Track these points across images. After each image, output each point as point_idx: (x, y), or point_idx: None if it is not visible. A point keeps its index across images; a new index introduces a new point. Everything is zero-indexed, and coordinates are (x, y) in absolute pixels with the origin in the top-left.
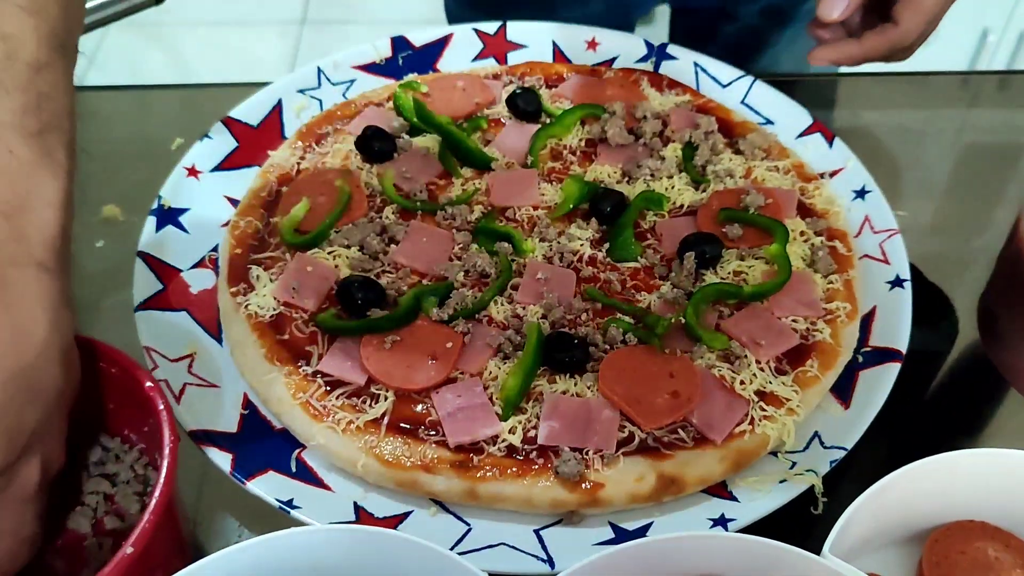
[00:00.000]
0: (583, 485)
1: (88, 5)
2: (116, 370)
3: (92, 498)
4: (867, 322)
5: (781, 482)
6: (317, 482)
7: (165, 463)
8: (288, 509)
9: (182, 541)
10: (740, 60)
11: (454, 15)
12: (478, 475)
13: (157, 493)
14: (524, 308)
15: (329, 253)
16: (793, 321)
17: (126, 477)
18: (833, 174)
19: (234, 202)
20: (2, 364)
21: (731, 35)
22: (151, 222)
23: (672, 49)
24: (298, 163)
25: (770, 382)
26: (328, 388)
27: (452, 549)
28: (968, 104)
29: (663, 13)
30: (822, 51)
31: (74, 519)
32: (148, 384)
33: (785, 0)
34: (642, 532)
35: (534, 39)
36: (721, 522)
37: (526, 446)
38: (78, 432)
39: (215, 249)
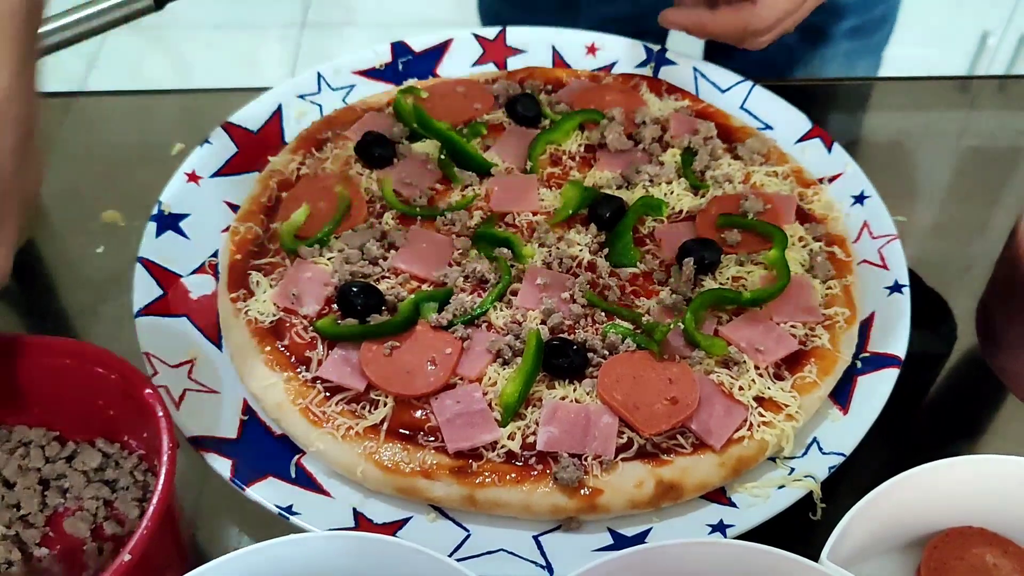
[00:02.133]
0: (582, 491)
1: (88, 11)
2: (116, 376)
3: (92, 503)
4: (866, 327)
5: (780, 488)
6: (316, 488)
7: (163, 470)
8: (288, 515)
9: (181, 547)
10: (769, 77)
11: (488, 10)
12: (477, 481)
13: (155, 500)
14: (523, 314)
15: (329, 259)
16: (792, 327)
17: (126, 483)
18: (832, 179)
19: (234, 208)
20: None
21: (764, 51)
22: (151, 227)
23: (671, 54)
24: (298, 169)
25: (769, 388)
26: (328, 394)
27: (451, 555)
28: (967, 109)
29: None
30: (673, 14)
31: (73, 524)
32: (147, 391)
33: (820, 18)
34: (641, 538)
35: (534, 44)
36: (720, 528)
37: (525, 452)
38: (78, 437)
39: (215, 255)
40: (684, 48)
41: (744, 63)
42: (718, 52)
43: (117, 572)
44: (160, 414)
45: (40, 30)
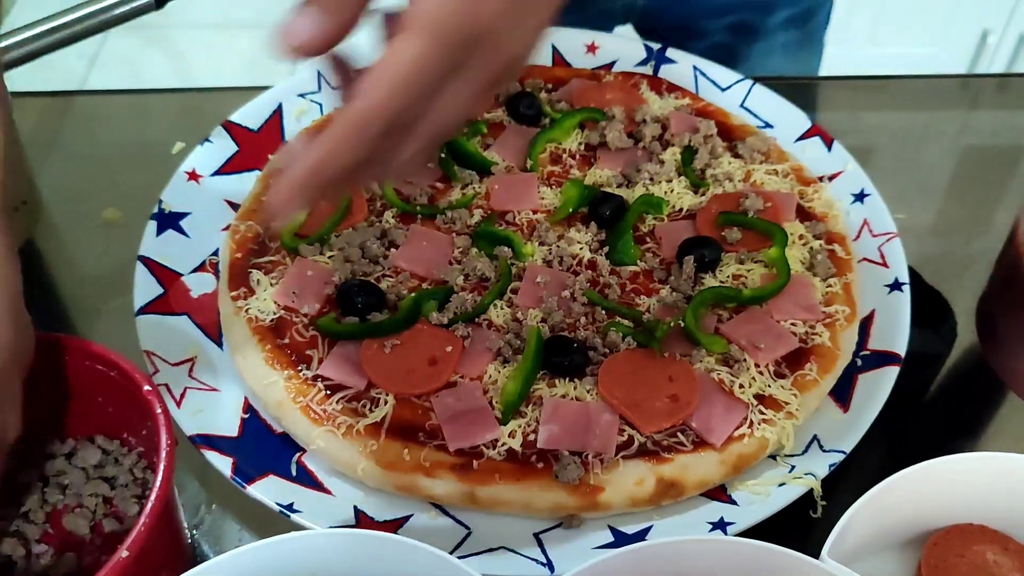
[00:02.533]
0: (583, 489)
1: (88, 10)
2: (115, 374)
3: (91, 500)
4: (866, 325)
5: (780, 485)
6: (317, 486)
7: (162, 467)
8: (288, 513)
9: (181, 545)
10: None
11: None
12: (478, 479)
13: (153, 497)
14: (524, 312)
15: (329, 257)
16: (792, 325)
17: (125, 480)
18: (832, 177)
19: (235, 206)
20: None
21: (701, 52)
22: (152, 226)
23: (671, 53)
24: None
25: (769, 386)
26: (328, 392)
27: (452, 553)
28: (967, 107)
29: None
30: None
31: (72, 521)
32: (146, 388)
33: (751, 15)
34: (641, 535)
35: None
36: (720, 525)
37: (526, 450)
38: (78, 434)
39: (216, 253)
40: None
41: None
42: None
43: (115, 569)
44: (159, 412)
45: (39, 29)
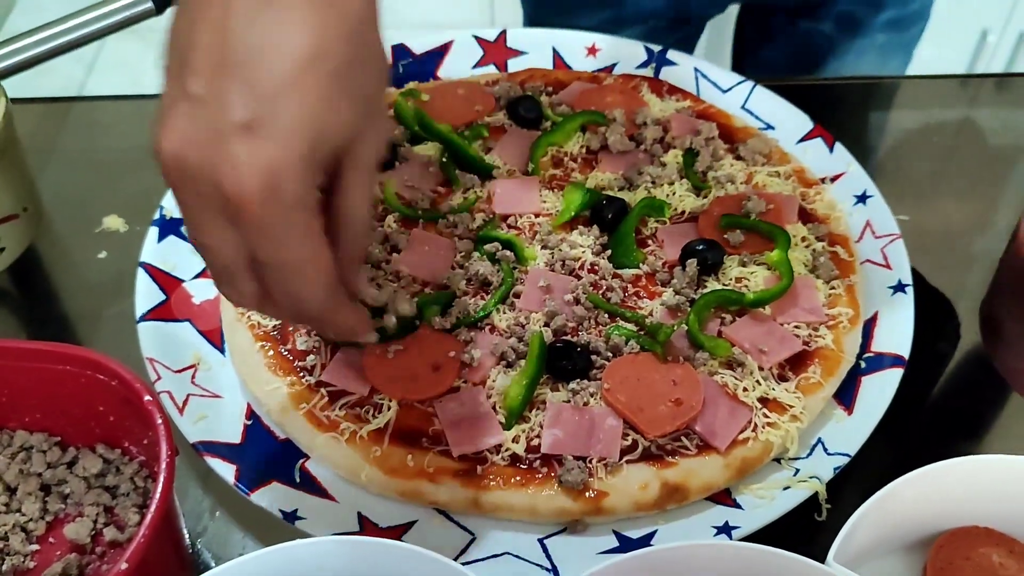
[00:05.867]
0: (587, 494)
1: (88, 16)
2: (116, 383)
3: (92, 510)
4: (869, 327)
5: (785, 489)
6: (321, 492)
7: (162, 478)
8: (292, 520)
9: (183, 554)
10: (804, 66)
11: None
12: (482, 484)
13: (152, 508)
14: (526, 316)
15: None
16: (795, 327)
17: (126, 489)
18: (834, 179)
19: None
20: (335, 23)
21: (799, 39)
22: (153, 232)
23: (672, 55)
24: None
25: (773, 389)
26: (331, 398)
27: (456, 559)
28: (968, 106)
29: (733, 11)
30: None
31: (74, 530)
32: (147, 398)
33: (860, 9)
34: (646, 540)
35: (534, 46)
36: (725, 530)
37: (530, 455)
38: (79, 443)
39: None
40: (723, 28)
41: (783, 50)
42: (753, 41)
43: None
44: (159, 422)
45: (37, 36)
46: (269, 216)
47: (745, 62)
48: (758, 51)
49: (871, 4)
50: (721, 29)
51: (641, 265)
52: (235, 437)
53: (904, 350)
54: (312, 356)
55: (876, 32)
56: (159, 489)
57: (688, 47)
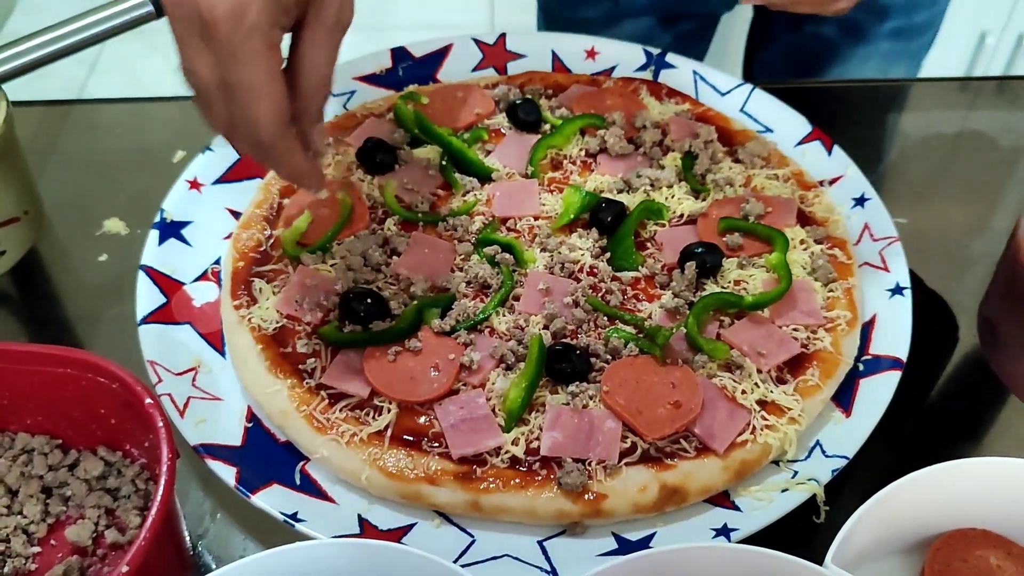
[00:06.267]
0: (586, 496)
1: (89, 20)
2: (117, 386)
3: (93, 512)
4: (867, 330)
5: (783, 491)
6: (321, 495)
7: (163, 480)
8: (293, 522)
9: (184, 556)
10: (806, 70)
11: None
12: (481, 487)
13: (153, 511)
14: (526, 319)
15: (331, 266)
16: (794, 330)
17: (127, 492)
18: (832, 182)
19: (236, 214)
20: None
21: (802, 42)
22: (154, 235)
23: (671, 58)
24: None
25: (771, 391)
26: (331, 401)
27: (456, 561)
28: (967, 109)
29: (747, 12)
30: None
31: (75, 532)
32: (147, 401)
33: (864, 16)
34: (645, 542)
35: (533, 49)
36: (724, 532)
37: (529, 457)
38: (80, 446)
39: (218, 262)
40: (736, 24)
41: (786, 53)
42: (757, 43)
43: None
44: (160, 425)
45: (38, 40)
46: (234, 36)
47: (753, 65)
48: (761, 53)
49: (874, 12)
50: (734, 29)
51: (640, 268)
52: (236, 439)
53: (902, 353)
54: (312, 359)
55: (880, 40)
56: (160, 491)
57: (701, 42)
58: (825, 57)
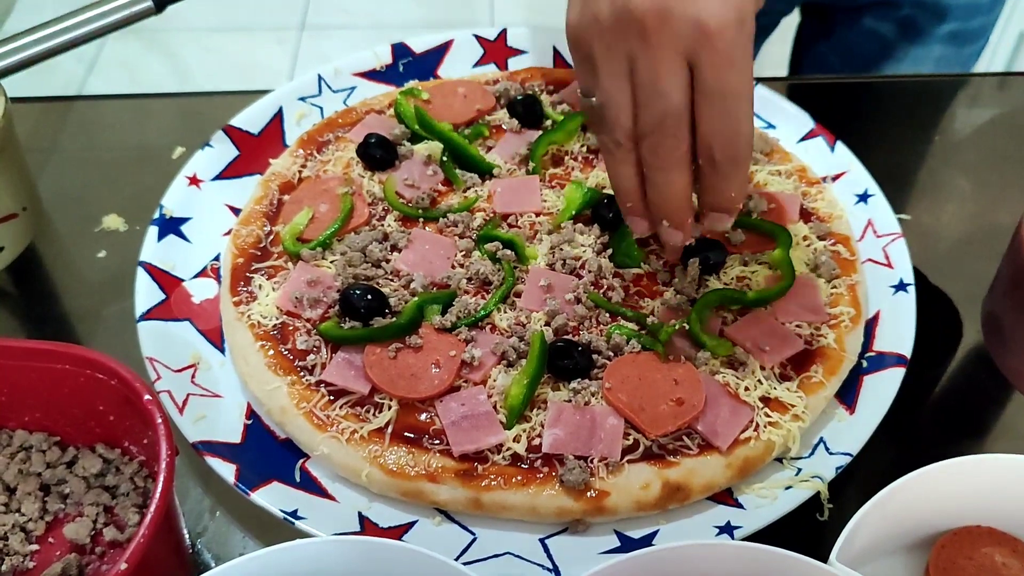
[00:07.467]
0: (588, 493)
1: (88, 15)
2: (116, 382)
3: (91, 509)
4: (871, 327)
5: (787, 489)
6: (321, 492)
7: (161, 478)
8: (293, 520)
9: (183, 554)
10: (859, 68)
11: None
12: (483, 484)
13: (152, 509)
14: (527, 315)
15: (332, 262)
16: (797, 326)
17: (126, 489)
18: (835, 178)
19: (236, 211)
20: None
21: (859, 38)
22: (153, 232)
23: None
24: (299, 171)
25: (775, 388)
26: (331, 398)
27: (457, 559)
28: (969, 105)
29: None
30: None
31: (73, 530)
32: (146, 397)
33: (922, 16)
34: (648, 540)
35: (535, 44)
36: (727, 529)
37: (531, 455)
38: (78, 443)
39: (217, 258)
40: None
41: (841, 49)
42: (812, 37)
43: None
44: (159, 422)
45: (37, 35)
46: (737, 42)
47: (803, 60)
48: (814, 47)
49: (934, 13)
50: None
51: (642, 264)
52: (235, 437)
53: (906, 349)
54: (312, 355)
55: (935, 43)
56: (159, 489)
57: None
58: (879, 56)
